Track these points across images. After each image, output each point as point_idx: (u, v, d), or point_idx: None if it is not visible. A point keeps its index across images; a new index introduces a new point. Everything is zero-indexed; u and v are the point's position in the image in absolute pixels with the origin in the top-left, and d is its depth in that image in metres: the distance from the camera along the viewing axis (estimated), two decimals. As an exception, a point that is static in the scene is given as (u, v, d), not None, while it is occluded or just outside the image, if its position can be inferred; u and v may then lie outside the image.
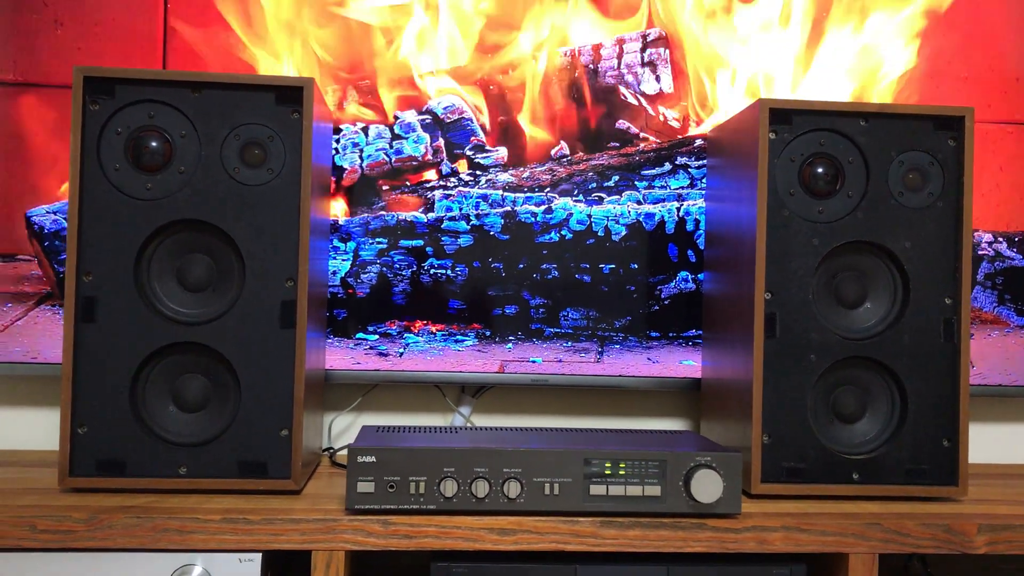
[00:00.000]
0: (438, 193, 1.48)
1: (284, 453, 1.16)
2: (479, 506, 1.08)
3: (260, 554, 1.05)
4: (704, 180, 1.51)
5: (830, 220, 1.24)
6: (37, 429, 1.50)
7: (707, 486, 1.09)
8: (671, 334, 1.51)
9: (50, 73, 1.44)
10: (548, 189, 1.50)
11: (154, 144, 1.16)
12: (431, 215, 1.48)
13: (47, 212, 1.44)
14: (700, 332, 1.50)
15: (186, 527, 1.04)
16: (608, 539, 1.08)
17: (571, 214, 1.50)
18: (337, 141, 1.47)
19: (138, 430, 1.15)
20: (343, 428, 1.54)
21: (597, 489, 1.09)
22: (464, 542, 1.07)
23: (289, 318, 1.16)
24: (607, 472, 1.09)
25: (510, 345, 1.49)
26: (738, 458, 1.11)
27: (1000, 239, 1.56)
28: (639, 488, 1.10)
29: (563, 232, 1.50)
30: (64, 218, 1.43)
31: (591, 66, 1.51)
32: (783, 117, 1.24)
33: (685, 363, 1.51)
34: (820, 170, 1.24)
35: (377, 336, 1.48)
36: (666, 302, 1.51)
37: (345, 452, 1.49)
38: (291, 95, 1.17)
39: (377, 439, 1.15)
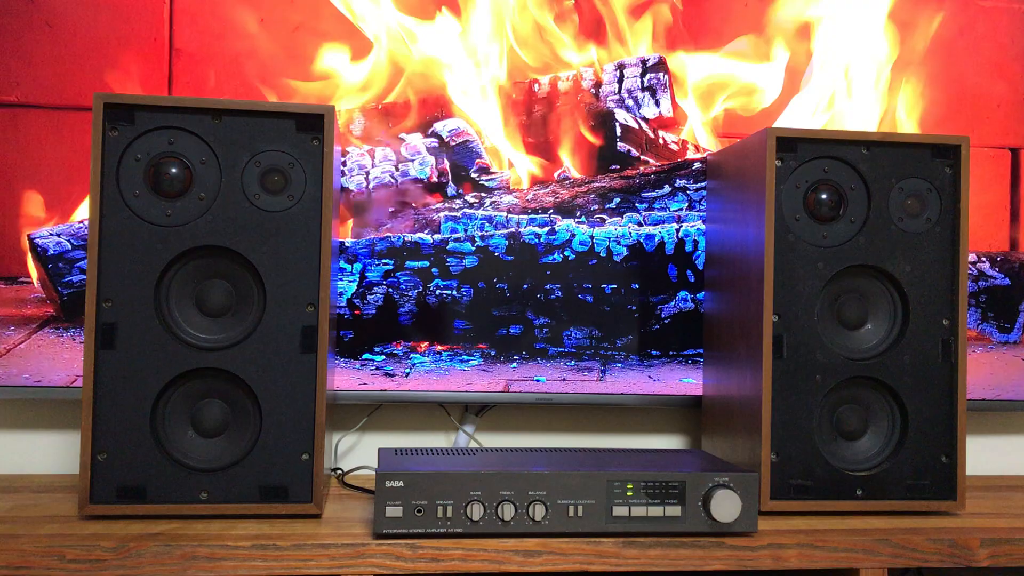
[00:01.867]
0: (443, 215, 1.50)
1: (305, 477, 1.17)
2: (505, 528, 1.10)
3: (289, 580, 1.06)
4: (703, 203, 1.54)
5: (834, 244, 1.28)
6: (43, 453, 1.48)
7: (726, 506, 1.12)
8: (671, 352, 1.54)
9: (53, 95, 1.43)
10: (551, 211, 1.52)
11: (174, 170, 1.16)
12: (436, 236, 1.50)
13: (50, 234, 1.43)
14: (700, 351, 1.54)
15: (215, 554, 1.04)
16: (630, 559, 1.11)
17: (574, 235, 1.52)
18: (344, 163, 1.48)
19: (158, 456, 1.15)
20: (347, 448, 1.55)
21: (620, 510, 1.12)
22: (490, 564, 1.09)
23: (310, 343, 1.17)
24: (629, 493, 1.12)
25: (515, 364, 1.51)
26: (755, 478, 1.14)
27: (983, 259, 1.62)
28: (660, 509, 1.12)
29: (566, 253, 1.52)
30: (68, 240, 1.42)
31: (593, 90, 1.54)
32: (789, 145, 1.28)
33: (685, 381, 1.54)
34: (824, 196, 1.28)
35: (383, 356, 1.49)
36: (666, 321, 1.55)
37: (355, 473, 1.49)
38: (311, 122, 1.18)
39: (401, 463, 1.16)
